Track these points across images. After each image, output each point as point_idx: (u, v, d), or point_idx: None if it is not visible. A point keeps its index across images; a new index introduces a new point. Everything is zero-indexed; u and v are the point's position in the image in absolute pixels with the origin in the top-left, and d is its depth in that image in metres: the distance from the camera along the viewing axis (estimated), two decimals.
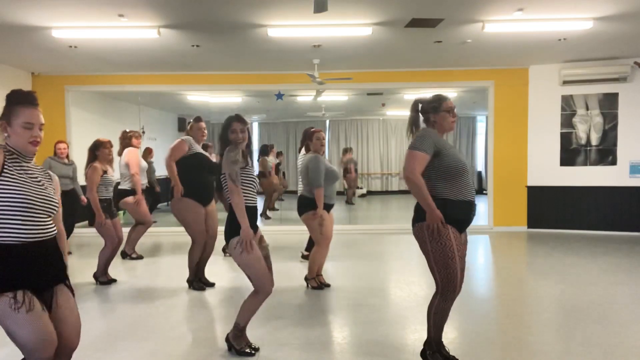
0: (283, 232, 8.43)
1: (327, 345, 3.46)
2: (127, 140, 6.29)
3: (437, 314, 2.90)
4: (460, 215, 2.83)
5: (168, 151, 4.80)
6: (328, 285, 4.94)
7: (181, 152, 4.72)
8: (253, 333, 3.47)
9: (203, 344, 3.55)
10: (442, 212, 2.77)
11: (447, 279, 2.81)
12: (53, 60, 7.39)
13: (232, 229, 3.10)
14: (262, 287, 3.12)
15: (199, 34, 6.20)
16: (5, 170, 2.06)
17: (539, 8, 5.39)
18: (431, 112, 2.91)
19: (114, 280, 5.26)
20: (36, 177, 2.18)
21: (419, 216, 2.87)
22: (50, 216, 2.20)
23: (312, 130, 4.94)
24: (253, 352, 3.25)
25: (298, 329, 3.76)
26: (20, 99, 2.14)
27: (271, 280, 3.15)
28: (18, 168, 2.12)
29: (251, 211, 3.14)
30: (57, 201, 2.23)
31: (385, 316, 4.08)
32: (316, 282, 4.89)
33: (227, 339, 3.32)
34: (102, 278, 5.22)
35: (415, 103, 3.01)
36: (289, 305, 4.36)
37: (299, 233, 7.13)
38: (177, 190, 4.69)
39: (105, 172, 5.21)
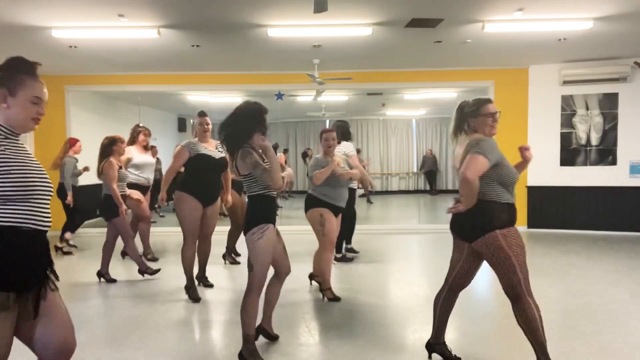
0: (284, 232, 8.37)
1: (327, 345, 3.46)
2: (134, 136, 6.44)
3: (532, 322, 2.84)
4: (512, 217, 2.82)
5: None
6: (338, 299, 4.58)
7: (182, 160, 4.65)
8: None
9: (203, 344, 3.56)
10: (490, 217, 2.74)
11: (526, 274, 2.81)
12: (53, 60, 7.38)
13: (252, 218, 3.13)
14: (259, 283, 3.06)
15: (199, 34, 6.20)
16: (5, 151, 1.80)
17: (539, 8, 5.39)
18: (470, 116, 2.88)
19: (114, 281, 5.27)
20: (33, 157, 1.94)
21: (487, 224, 2.75)
22: (48, 201, 1.97)
23: (323, 130, 4.87)
24: None
25: (298, 329, 3.77)
26: (27, 69, 1.90)
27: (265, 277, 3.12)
28: (14, 148, 1.86)
29: (269, 201, 3.21)
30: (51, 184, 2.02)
31: (385, 316, 4.08)
32: (332, 294, 4.53)
33: (241, 356, 3.08)
34: (107, 275, 5.28)
35: (460, 106, 2.96)
36: (289, 305, 4.36)
37: (301, 233, 7.13)
38: (161, 197, 4.75)
39: (120, 167, 5.28)
